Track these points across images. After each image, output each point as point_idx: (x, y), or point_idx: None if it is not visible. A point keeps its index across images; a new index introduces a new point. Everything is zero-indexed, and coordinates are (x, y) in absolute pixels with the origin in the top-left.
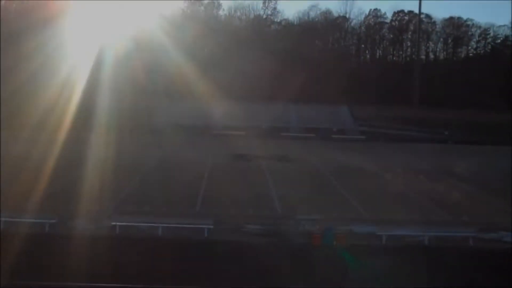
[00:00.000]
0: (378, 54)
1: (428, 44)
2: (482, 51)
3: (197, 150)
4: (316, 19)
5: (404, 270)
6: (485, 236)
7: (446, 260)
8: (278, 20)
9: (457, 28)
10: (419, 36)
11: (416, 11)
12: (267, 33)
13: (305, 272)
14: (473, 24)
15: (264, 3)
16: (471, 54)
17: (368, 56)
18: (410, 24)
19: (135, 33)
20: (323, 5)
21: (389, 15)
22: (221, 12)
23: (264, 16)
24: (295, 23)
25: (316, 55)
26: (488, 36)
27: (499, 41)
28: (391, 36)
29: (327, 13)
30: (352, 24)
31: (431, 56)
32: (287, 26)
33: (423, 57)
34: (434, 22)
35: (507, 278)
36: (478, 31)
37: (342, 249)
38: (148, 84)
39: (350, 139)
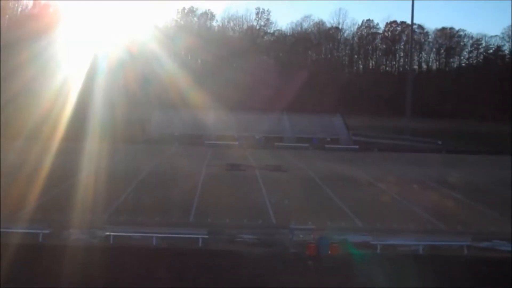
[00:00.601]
0: (371, 64)
1: (420, 55)
2: (474, 61)
3: (191, 160)
4: (309, 29)
5: (399, 279)
6: (480, 245)
7: (441, 269)
8: (271, 31)
9: (449, 39)
10: (411, 47)
11: (409, 21)
12: (260, 43)
13: (302, 283)
14: (465, 35)
15: (257, 14)
16: (463, 64)
17: (361, 66)
18: (403, 35)
19: (129, 43)
20: (316, 16)
21: (381, 25)
22: (214, 23)
23: (257, 27)
24: (288, 33)
25: (309, 66)
26: (480, 46)
27: (491, 51)
28: (384, 46)
29: (320, 24)
30: (345, 34)
31: (424, 66)
32: (280, 37)
33: (416, 67)
34: (427, 32)
35: (502, 287)
36: (470, 41)
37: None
38: (142, 94)
39: (343, 149)
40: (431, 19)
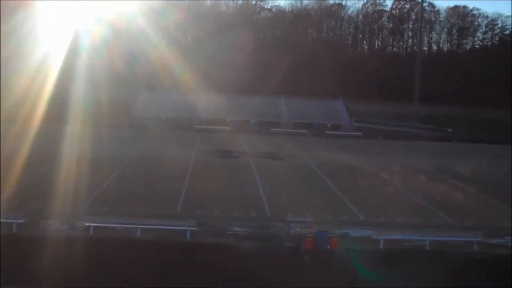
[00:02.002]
0: (376, 44)
1: (431, 35)
2: (489, 43)
3: (179, 145)
4: (310, 6)
5: (404, 276)
6: (491, 242)
7: (448, 266)
8: (269, 7)
9: (462, 18)
10: (421, 26)
11: None
12: (256, 20)
13: (298, 280)
14: (479, 14)
15: None
16: (477, 46)
17: (365, 47)
18: (412, 13)
19: (113, 18)
20: None
21: (389, 2)
22: None
23: (253, 2)
24: (287, 9)
25: (309, 45)
26: (495, 27)
27: (507, 32)
28: (391, 25)
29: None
30: (348, 12)
31: (434, 47)
32: (278, 13)
33: (425, 48)
34: (438, 11)
35: None
36: (485, 21)
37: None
38: (127, 74)
39: (345, 136)
40: None
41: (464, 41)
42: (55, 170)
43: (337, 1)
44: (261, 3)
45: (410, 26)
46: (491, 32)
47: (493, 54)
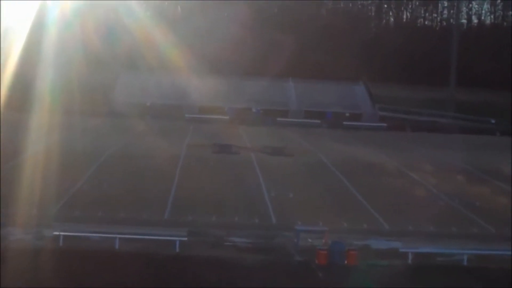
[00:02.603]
0: (405, 16)
1: (470, 5)
2: None
3: (167, 138)
4: None
5: None
6: None
7: (491, 286)
8: None
9: None
10: None
11: None
12: None
13: None
14: None
15: None
16: None
17: (392, 19)
18: None
19: None
20: None
21: None
22: None
23: None
24: None
25: (323, 17)
26: None
27: None
28: None
29: None
30: None
31: (474, 20)
32: None
33: (463, 21)
34: None
35: None
36: None
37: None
38: (104, 52)
39: (367, 127)
40: None
41: (511, 12)
42: (17, 168)
43: None
44: None
45: None
46: None
47: None
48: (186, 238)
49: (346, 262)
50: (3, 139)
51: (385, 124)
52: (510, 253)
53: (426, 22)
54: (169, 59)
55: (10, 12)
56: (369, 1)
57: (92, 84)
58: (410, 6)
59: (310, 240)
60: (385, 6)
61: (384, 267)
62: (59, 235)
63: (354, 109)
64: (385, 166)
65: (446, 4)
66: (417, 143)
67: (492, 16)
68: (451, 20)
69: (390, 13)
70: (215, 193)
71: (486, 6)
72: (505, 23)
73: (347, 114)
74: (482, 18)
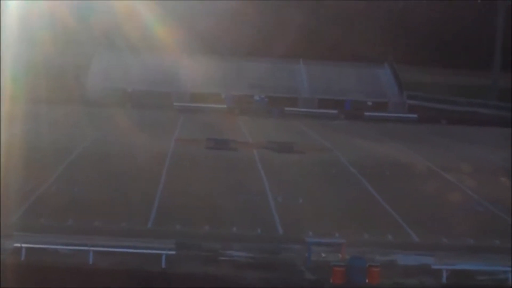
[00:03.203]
0: None
1: None
2: None
3: (152, 131)
4: None
5: None
6: None
7: None
8: None
9: None
10: None
11: None
12: None
13: None
14: None
15: None
16: None
17: None
18: None
19: None
20: None
21: None
22: None
23: None
24: None
25: None
26: None
27: None
28: None
29: None
30: None
31: None
32: None
33: None
34: None
35: None
36: None
37: None
38: (77, 28)
39: (393, 119)
40: None
41: None
42: None
43: None
44: None
45: None
46: None
47: None
48: (174, 252)
49: (367, 281)
50: None
51: (415, 115)
52: None
53: None
54: (154, 36)
55: None
56: None
57: (61, 66)
58: None
59: (323, 254)
60: None
61: (414, 287)
62: (21, 247)
63: (378, 97)
64: (414, 166)
65: None
66: (454, 138)
67: None
68: None
69: None
70: (209, 198)
71: None
72: None
73: (370, 103)
74: None
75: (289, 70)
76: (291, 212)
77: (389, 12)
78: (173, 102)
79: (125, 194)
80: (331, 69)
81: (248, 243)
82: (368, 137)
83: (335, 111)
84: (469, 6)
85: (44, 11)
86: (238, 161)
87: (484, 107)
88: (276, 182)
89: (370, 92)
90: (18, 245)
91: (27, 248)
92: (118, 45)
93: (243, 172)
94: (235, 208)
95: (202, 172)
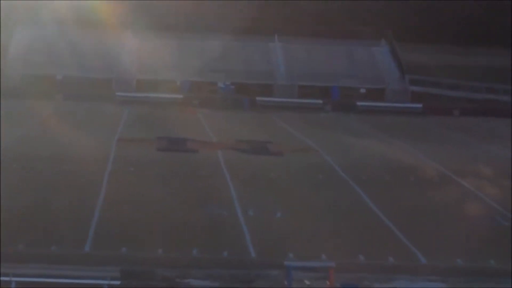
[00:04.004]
0: None
1: None
2: None
3: (88, 129)
4: None
5: None
6: None
7: None
8: None
9: None
10: None
11: None
12: None
13: None
14: None
15: None
16: None
17: None
18: None
19: None
20: None
21: None
22: None
23: None
24: None
25: None
26: None
27: None
28: None
29: None
30: None
31: None
32: None
33: None
34: None
35: None
36: None
37: None
38: None
39: (392, 110)
40: None
41: None
42: None
43: None
44: None
45: None
46: None
47: None
48: (118, 282)
49: None
50: None
51: (420, 105)
52: None
53: None
54: (90, 10)
55: None
56: None
57: None
58: None
59: (307, 282)
60: None
61: None
62: None
63: (373, 82)
64: (421, 170)
65: None
66: (469, 133)
67: None
68: None
69: None
70: (162, 213)
71: None
72: None
73: (363, 91)
74: None
75: (262, 49)
76: (266, 230)
77: None
78: (115, 92)
79: (56, 209)
80: (314, 48)
81: (212, 270)
82: (361, 134)
83: (319, 101)
84: None
85: None
86: (198, 166)
87: (507, 94)
88: (246, 191)
89: (364, 76)
90: None
91: None
92: (43, 20)
93: (205, 180)
94: (195, 225)
95: (152, 180)
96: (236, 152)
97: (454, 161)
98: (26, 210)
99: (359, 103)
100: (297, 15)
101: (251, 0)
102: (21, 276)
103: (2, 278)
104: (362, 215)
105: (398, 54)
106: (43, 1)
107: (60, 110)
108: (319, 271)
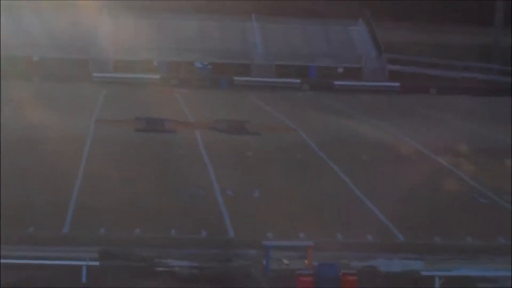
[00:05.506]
0: None
1: None
2: None
3: (65, 110)
4: None
5: None
6: None
7: None
8: None
9: None
10: None
11: None
12: None
13: None
14: None
15: None
16: None
17: None
18: None
19: None
20: None
21: None
22: None
23: None
24: None
25: None
26: None
27: None
28: None
29: None
30: None
31: None
32: None
33: None
34: None
35: None
36: None
37: None
38: None
39: (370, 89)
40: None
41: None
42: None
43: None
44: None
45: None
46: None
47: None
48: (97, 263)
49: None
50: None
51: (398, 84)
52: None
53: None
54: None
55: None
56: None
57: None
58: None
59: (286, 261)
60: None
61: None
62: None
63: (350, 61)
64: (398, 148)
65: None
66: (446, 111)
67: None
68: None
69: None
70: (140, 194)
71: None
72: None
73: (340, 70)
74: None
75: (239, 29)
76: (245, 209)
77: None
78: (92, 73)
79: (33, 191)
80: (291, 28)
81: (191, 250)
82: (338, 113)
83: (297, 80)
84: None
85: None
86: (176, 145)
87: (484, 72)
88: (224, 171)
89: (340, 55)
90: None
91: None
92: (19, 2)
93: (182, 159)
94: (173, 205)
95: (130, 161)
96: (214, 132)
97: (430, 138)
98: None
99: (336, 82)
100: None
101: None
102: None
103: None
104: (339, 193)
105: (375, 33)
106: None
107: (37, 91)
108: (297, 250)
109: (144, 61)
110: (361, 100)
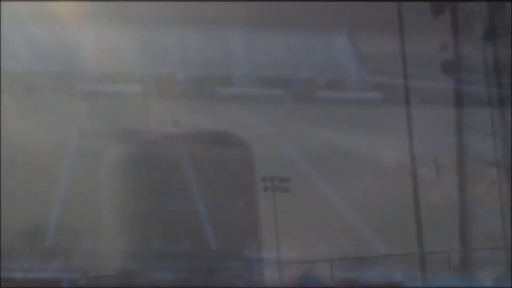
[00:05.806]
0: None
1: None
2: None
3: (46, 123)
4: None
5: None
6: None
7: None
8: None
9: None
10: None
11: None
12: None
13: None
14: None
15: None
16: None
17: None
18: None
19: None
20: None
21: None
22: None
23: None
24: None
25: None
26: None
27: None
28: None
29: None
30: None
31: None
32: None
33: None
34: None
35: None
36: None
37: None
38: None
39: (352, 101)
40: None
41: None
42: None
43: None
44: None
45: None
46: None
47: None
48: (78, 275)
49: None
50: None
51: (379, 94)
52: None
53: None
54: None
55: None
56: None
57: None
58: None
59: (268, 274)
60: None
61: None
62: None
63: (333, 73)
64: (380, 159)
65: None
66: (431, 122)
67: None
68: None
69: None
70: (122, 206)
71: None
72: None
73: (323, 81)
74: None
75: (221, 40)
76: (227, 221)
77: None
78: (74, 85)
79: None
80: (274, 38)
81: (172, 261)
82: (320, 124)
83: (280, 92)
84: None
85: None
86: (159, 158)
87: (470, 83)
88: (207, 183)
89: (323, 67)
90: None
91: None
92: None
93: (164, 171)
94: (154, 216)
95: (112, 173)
96: (195, 144)
97: (413, 150)
98: None
99: (319, 94)
100: (257, 6)
101: None
102: None
103: None
104: (321, 202)
105: (357, 44)
106: None
107: (17, 104)
108: (281, 262)
109: (126, 73)
110: (343, 112)
